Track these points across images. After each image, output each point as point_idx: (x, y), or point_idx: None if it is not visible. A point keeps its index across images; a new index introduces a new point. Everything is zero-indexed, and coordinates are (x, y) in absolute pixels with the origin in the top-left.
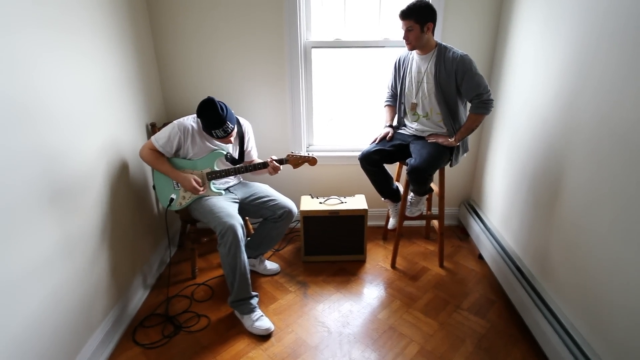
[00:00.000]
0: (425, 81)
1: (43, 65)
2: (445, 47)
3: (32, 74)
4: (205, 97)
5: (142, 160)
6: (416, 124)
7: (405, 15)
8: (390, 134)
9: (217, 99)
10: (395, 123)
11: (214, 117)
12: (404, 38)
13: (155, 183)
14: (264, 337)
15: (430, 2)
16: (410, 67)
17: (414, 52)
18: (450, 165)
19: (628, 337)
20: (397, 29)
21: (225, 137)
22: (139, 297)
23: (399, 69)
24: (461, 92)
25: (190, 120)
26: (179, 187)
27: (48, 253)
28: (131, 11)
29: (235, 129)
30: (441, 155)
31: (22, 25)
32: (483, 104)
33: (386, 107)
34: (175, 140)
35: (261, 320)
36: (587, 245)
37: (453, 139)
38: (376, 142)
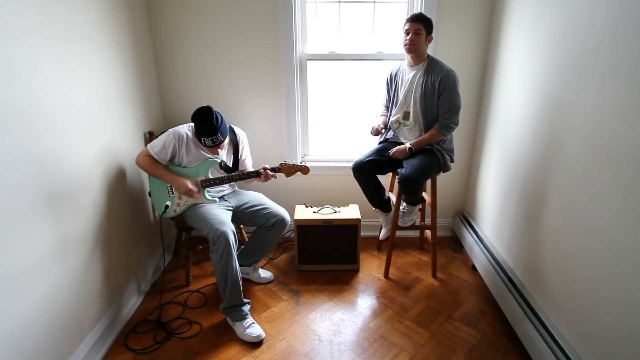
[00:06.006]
0: (414, 90)
1: (42, 72)
2: (435, 61)
3: (32, 80)
4: (204, 104)
5: (138, 167)
6: (395, 133)
7: (417, 19)
8: (380, 127)
9: (215, 109)
10: (389, 136)
11: (207, 126)
12: (409, 40)
13: (151, 190)
14: (255, 344)
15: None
16: (402, 79)
17: (404, 64)
18: (444, 171)
19: (616, 347)
20: (390, 43)
21: (212, 147)
22: (132, 302)
23: (392, 83)
24: (439, 105)
25: (185, 129)
26: (174, 193)
27: (42, 255)
28: (131, 21)
29: (225, 142)
30: (431, 165)
31: (22, 33)
32: (446, 126)
33: (381, 117)
34: (170, 148)
35: (252, 328)
36: (576, 256)
37: (408, 144)
38: (371, 131)
